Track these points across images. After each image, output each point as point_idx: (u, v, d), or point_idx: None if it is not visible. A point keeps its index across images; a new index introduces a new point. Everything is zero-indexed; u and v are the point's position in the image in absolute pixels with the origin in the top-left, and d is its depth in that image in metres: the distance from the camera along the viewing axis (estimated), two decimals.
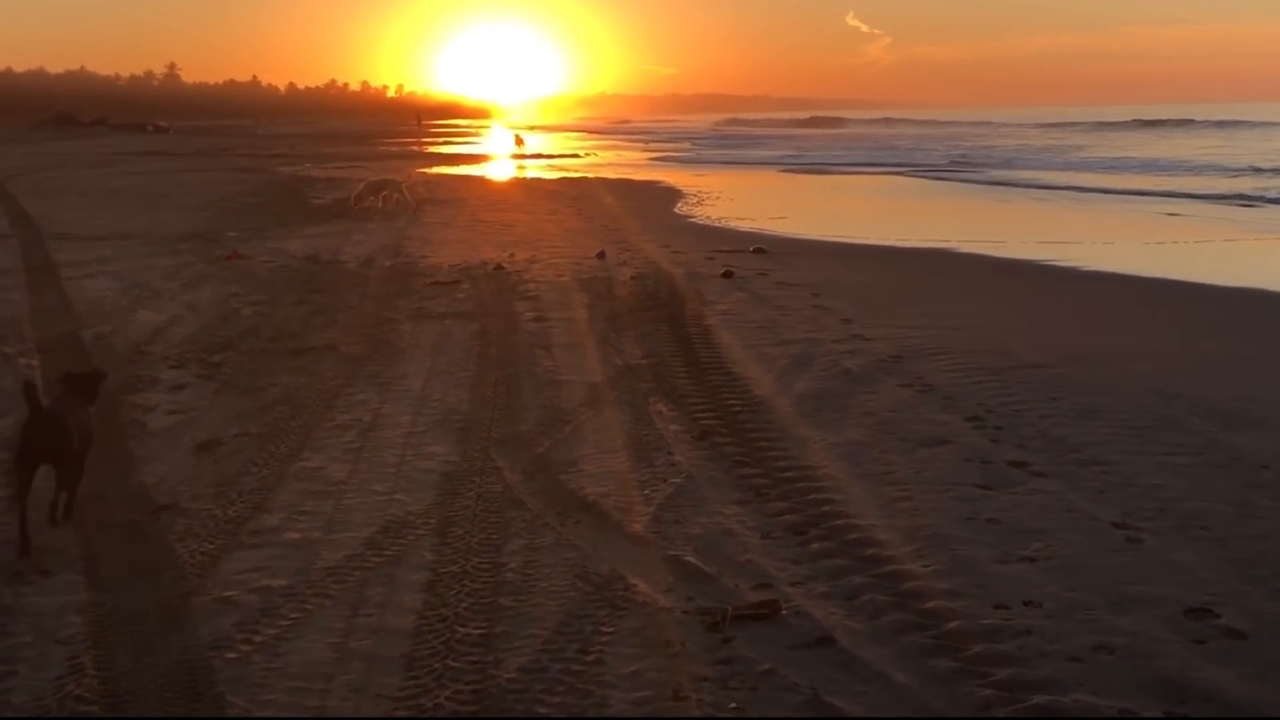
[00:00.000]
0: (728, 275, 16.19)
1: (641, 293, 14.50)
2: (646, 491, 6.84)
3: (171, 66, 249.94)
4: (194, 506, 6.56)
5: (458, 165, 53.08)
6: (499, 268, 16.78)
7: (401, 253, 18.75)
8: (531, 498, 6.74)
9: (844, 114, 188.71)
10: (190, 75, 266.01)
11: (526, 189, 37.10)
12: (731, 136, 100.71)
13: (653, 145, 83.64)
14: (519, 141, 72.05)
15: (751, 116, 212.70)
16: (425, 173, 45.46)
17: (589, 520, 6.39)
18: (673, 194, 33.93)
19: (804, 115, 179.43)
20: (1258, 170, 40.28)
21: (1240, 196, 30.30)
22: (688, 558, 5.87)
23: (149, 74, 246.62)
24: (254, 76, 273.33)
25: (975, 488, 6.90)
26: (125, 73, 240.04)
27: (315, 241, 20.20)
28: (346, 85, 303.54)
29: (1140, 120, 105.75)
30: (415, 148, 76.06)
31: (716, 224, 24.89)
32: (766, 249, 19.51)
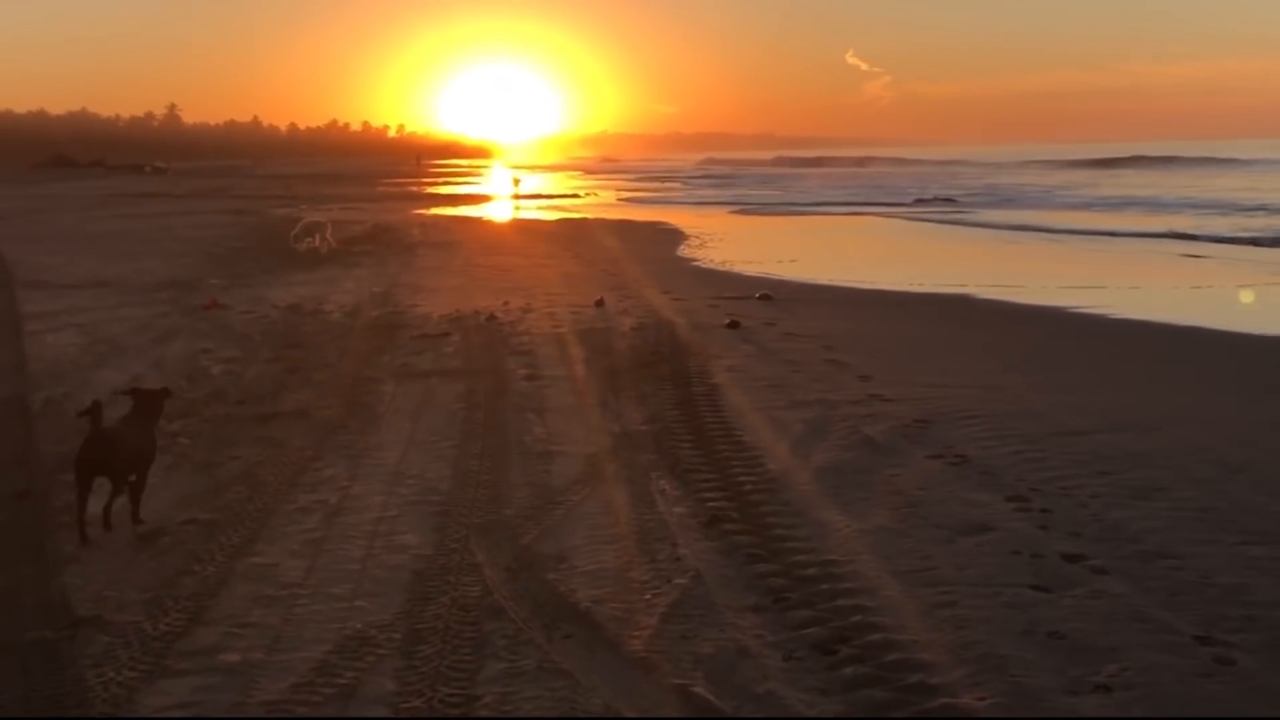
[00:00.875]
0: (733, 325, 15.31)
1: (642, 346, 13.60)
2: (648, 596, 5.89)
3: (172, 107, 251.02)
4: (119, 619, 5.59)
5: (456, 206, 52.36)
6: (491, 318, 15.90)
7: (389, 301, 17.87)
8: (515, 604, 5.79)
9: (831, 152, 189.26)
10: (191, 116, 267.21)
11: (524, 231, 36.35)
12: (717, 176, 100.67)
13: (645, 184, 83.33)
14: (515, 182, 71.87)
15: (729, 156, 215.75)
16: (422, 214, 44.77)
17: (581, 635, 5.44)
18: (673, 236, 33.14)
19: (790, 154, 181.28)
20: (1272, 210, 39.47)
21: (1258, 238, 29.46)
22: (697, 688, 4.91)
23: (149, 115, 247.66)
24: (255, 117, 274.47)
25: (1029, 589, 5.94)
26: (126, 114, 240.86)
27: (300, 289, 19.32)
28: (347, 125, 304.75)
29: (1141, 156, 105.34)
30: (414, 188, 75.59)
31: (719, 268, 24.03)
32: (773, 295, 18.67)
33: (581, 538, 6.77)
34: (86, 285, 19.70)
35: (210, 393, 10.92)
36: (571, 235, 32.78)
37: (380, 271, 22.67)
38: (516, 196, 62.11)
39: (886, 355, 12.98)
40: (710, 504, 7.38)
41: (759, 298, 18.46)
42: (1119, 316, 16.23)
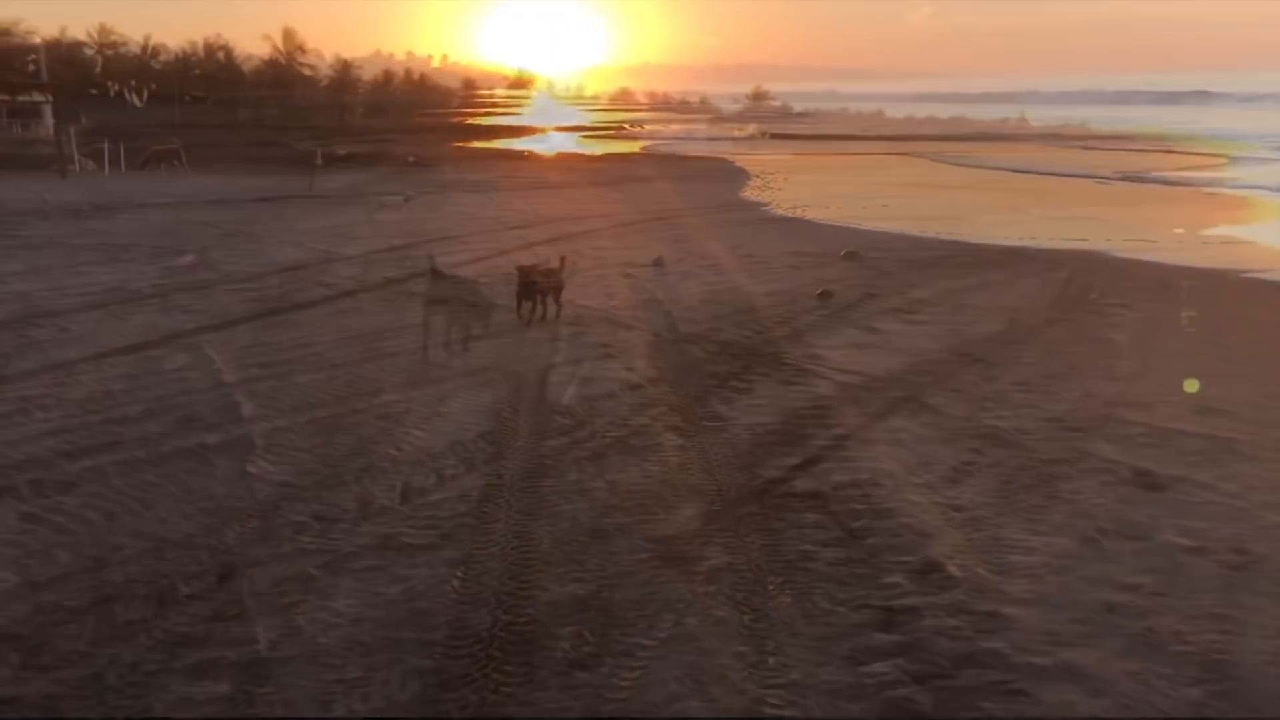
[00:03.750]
0: (825, 296, 12.33)
1: (718, 331, 10.62)
2: None
3: (217, 37, 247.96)
4: None
5: (495, 139, 49.30)
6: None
7: (409, 258, 14.94)
8: None
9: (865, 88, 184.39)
10: (236, 49, 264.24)
11: (568, 168, 33.25)
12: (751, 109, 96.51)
13: (680, 119, 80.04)
14: (545, 112, 70.75)
15: (717, 90, 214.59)
16: (460, 147, 41.80)
17: None
18: (729, 174, 30.13)
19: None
20: None
21: None
22: None
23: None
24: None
25: None
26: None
27: (310, 241, 16.53)
28: (392, 55, 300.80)
29: (1203, 92, 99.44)
30: (456, 120, 72.77)
31: (790, 216, 20.99)
32: (858, 252, 15.70)
33: None
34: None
35: (143, 410, 8.01)
36: (619, 172, 29.75)
37: (407, 217, 19.83)
38: (558, 129, 59.13)
39: (1034, 348, 9.97)
40: (883, 680, 4.38)
41: (843, 256, 15.51)
42: None
